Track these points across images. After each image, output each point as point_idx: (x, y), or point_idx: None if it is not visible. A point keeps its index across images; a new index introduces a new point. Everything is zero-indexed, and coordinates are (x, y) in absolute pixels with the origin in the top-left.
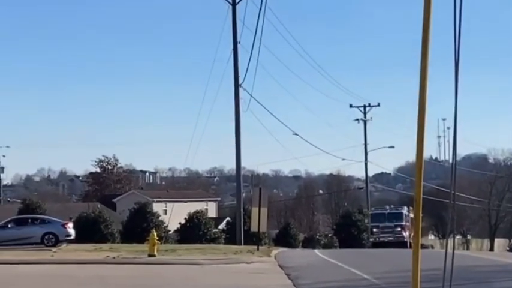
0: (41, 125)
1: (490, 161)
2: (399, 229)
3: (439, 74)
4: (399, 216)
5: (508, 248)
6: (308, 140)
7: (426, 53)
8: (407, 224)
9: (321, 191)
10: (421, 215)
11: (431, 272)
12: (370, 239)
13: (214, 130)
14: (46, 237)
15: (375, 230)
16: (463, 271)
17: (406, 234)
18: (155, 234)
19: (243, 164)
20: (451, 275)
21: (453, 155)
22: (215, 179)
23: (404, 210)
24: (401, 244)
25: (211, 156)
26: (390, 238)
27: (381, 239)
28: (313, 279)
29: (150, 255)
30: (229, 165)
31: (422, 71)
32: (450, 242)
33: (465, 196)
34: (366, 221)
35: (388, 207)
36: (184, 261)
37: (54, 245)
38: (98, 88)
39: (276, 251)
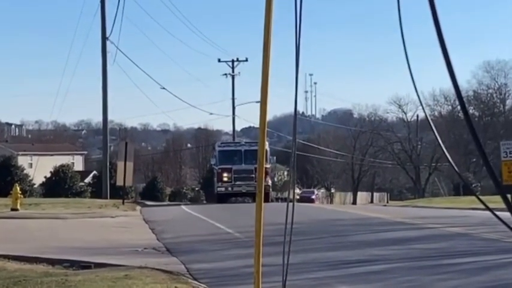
0: None
1: (355, 116)
2: None
3: (307, 31)
4: None
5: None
6: (177, 94)
7: (270, 11)
8: (270, 167)
9: (189, 145)
10: (264, 173)
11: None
12: (218, 189)
13: (81, 83)
14: None
15: (225, 175)
16: (322, 224)
17: (269, 182)
18: (18, 188)
19: (111, 117)
20: (291, 228)
21: (293, 131)
22: (83, 132)
23: (267, 146)
24: (266, 196)
25: (79, 109)
26: (250, 188)
27: (235, 189)
28: (177, 233)
29: (13, 209)
30: (97, 118)
31: (266, 31)
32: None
33: (329, 150)
34: (212, 162)
35: (244, 141)
36: (47, 215)
37: None
38: None
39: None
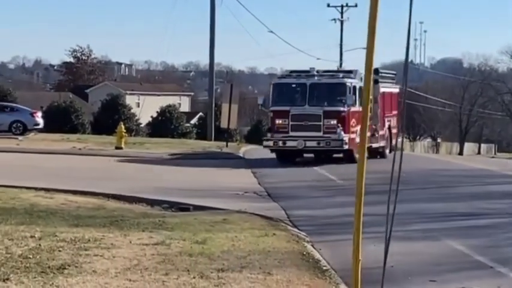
0: (16, 11)
1: (465, 65)
2: (333, 122)
3: None
4: (338, 93)
5: None
6: (284, 38)
7: None
8: (355, 110)
9: None
10: (368, 121)
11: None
12: (265, 142)
13: (190, 25)
14: (14, 125)
15: (278, 122)
16: (427, 174)
17: (346, 135)
18: (123, 126)
19: (219, 60)
20: (399, 177)
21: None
22: (191, 74)
23: (352, 79)
24: (345, 155)
25: (188, 51)
26: (311, 143)
27: (288, 144)
28: (279, 178)
29: (117, 148)
30: (206, 61)
31: None
32: (421, 144)
33: (437, 100)
34: (259, 102)
35: (317, 70)
36: (150, 155)
37: (21, 134)
38: None
39: (246, 148)
